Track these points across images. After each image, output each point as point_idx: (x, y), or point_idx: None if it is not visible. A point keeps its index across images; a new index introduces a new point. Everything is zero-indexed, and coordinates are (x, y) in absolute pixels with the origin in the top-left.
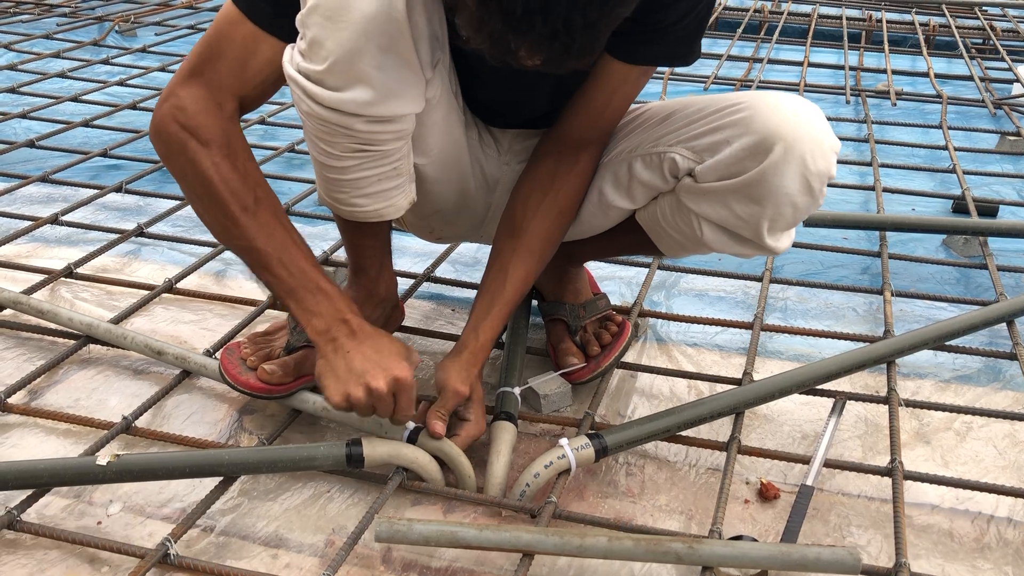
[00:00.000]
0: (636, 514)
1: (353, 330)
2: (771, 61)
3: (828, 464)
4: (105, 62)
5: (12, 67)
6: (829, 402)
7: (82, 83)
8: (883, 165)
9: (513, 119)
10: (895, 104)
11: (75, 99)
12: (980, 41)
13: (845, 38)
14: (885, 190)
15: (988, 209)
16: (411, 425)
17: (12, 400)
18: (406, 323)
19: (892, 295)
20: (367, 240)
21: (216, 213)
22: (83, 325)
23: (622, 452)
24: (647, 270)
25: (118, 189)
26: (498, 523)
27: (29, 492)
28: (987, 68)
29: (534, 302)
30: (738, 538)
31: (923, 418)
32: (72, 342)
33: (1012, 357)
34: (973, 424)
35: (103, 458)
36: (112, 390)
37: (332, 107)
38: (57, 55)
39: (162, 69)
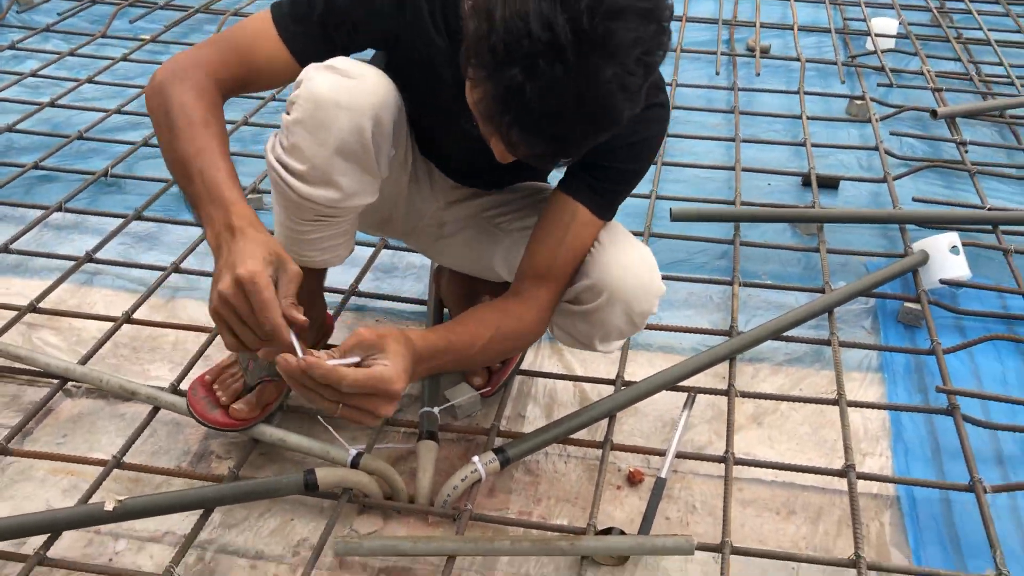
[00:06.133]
0: (534, 505)
1: (234, 235)
2: None
3: (679, 455)
4: (12, 47)
5: None
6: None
7: None
8: (744, 140)
9: (457, 172)
10: (759, 74)
11: None
12: None
13: None
14: (744, 170)
15: (830, 183)
16: (353, 452)
17: (10, 444)
18: (333, 340)
19: (740, 285)
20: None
21: (167, 129)
22: (60, 369)
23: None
24: None
25: (59, 208)
26: (428, 527)
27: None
28: (847, 19)
29: None
30: (608, 531)
31: (757, 401)
32: (48, 379)
33: (828, 343)
34: (795, 406)
35: (109, 504)
36: (96, 426)
37: (304, 197)
38: None
39: (73, 54)
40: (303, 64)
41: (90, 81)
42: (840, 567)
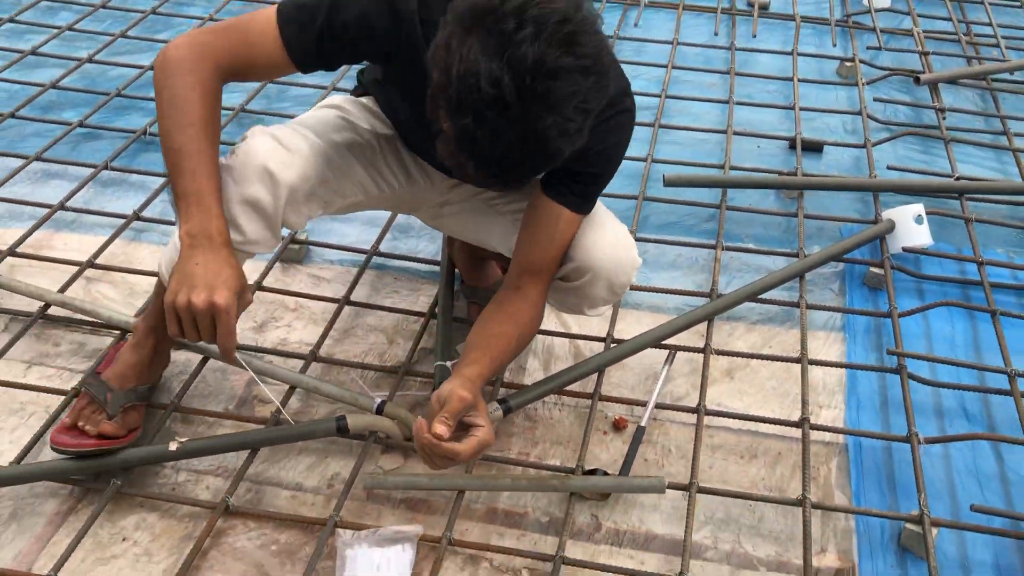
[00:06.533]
0: (532, 447)
1: (212, 247)
2: None
3: (659, 405)
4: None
5: None
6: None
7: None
8: (738, 103)
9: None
10: (755, 35)
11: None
12: None
13: None
14: (735, 133)
15: (815, 147)
16: (378, 400)
17: None
18: (357, 298)
19: (723, 250)
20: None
21: (168, 118)
22: (121, 322)
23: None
24: None
25: (105, 167)
26: None
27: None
28: None
29: (457, 285)
30: (593, 471)
31: (731, 357)
32: (109, 329)
33: (797, 305)
34: (764, 363)
35: (172, 445)
36: None
37: None
38: None
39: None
40: (298, 66)
41: (123, 36)
42: (789, 505)
